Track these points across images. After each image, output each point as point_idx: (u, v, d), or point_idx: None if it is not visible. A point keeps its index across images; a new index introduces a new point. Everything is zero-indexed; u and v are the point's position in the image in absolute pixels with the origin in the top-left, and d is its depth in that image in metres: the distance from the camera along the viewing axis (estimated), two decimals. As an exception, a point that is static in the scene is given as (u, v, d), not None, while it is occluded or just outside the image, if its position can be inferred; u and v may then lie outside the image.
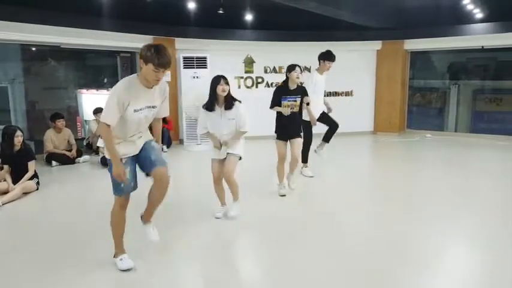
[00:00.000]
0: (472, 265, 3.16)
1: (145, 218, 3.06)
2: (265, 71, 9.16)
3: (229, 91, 3.79)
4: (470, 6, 7.85)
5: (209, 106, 3.84)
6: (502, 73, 9.63)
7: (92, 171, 6.46)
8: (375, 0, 7.87)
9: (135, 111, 2.72)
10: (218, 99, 3.80)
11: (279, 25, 8.61)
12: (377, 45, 9.49)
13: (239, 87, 9.01)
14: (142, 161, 2.90)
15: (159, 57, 2.57)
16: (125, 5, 7.20)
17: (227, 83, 3.76)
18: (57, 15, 6.62)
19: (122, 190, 2.84)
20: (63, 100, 9.27)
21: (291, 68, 4.59)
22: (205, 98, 3.92)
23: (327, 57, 5.58)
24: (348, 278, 2.87)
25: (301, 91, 4.66)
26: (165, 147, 7.79)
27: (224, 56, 8.72)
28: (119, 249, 3.00)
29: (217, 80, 3.76)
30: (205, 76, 7.72)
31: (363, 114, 9.69)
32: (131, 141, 2.86)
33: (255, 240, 3.68)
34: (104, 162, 6.52)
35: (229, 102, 3.81)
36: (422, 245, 3.42)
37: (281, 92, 4.62)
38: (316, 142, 5.81)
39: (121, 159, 2.78)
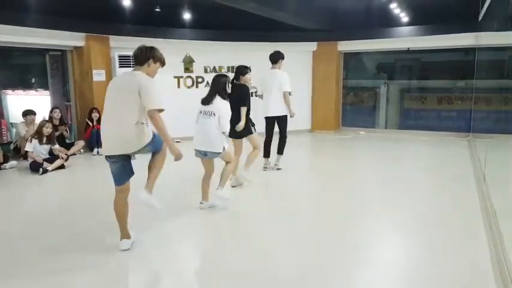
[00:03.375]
0: (399, 254, 3.41)
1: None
2: (205, 71, 9.13)
3: None
4: (397, 10, 8.44)
5: None
6: (425, 73, 10.45)
7: (20, 178, 6.05)
8: (310, 2, 8.17)
9: None
10: None
11: (218, 25, 8.63)
12: (313, 46, 9.84)
13: (179, 86, 8.92)
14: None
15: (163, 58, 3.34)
16: None
17: None
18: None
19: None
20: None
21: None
22: None
23: None
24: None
25: None
26: (100, 150, 7.50)
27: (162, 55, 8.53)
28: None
29: None
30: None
31: (300, 113, 9.87)
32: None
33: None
34: (34, 168, 6.14)
35: None
36: (355, 240, 3.63)
37: None
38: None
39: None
